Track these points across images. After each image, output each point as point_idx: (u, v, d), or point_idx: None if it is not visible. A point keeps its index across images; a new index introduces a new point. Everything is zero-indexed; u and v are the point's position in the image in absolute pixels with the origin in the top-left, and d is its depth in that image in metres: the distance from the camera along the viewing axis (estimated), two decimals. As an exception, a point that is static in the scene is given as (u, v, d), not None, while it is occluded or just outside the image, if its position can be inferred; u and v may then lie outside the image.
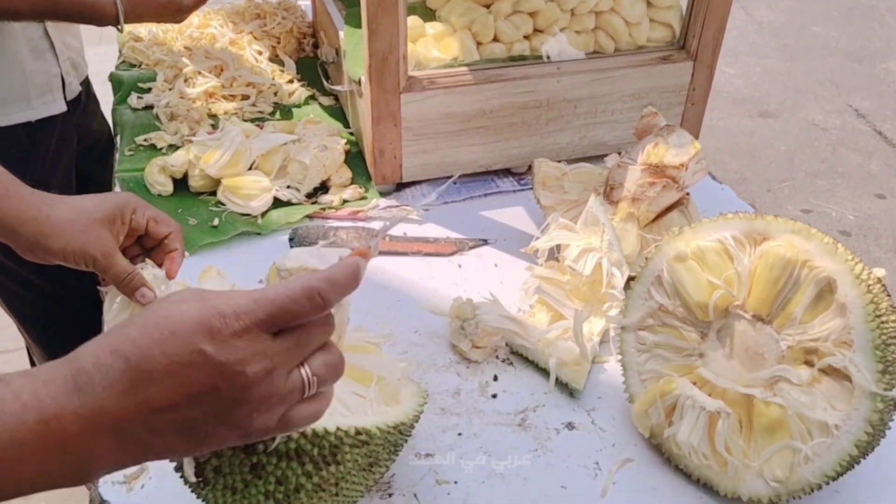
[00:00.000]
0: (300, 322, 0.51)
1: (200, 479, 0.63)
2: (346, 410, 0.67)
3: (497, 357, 0.97)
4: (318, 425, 0.61)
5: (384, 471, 0.73)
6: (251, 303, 0.50)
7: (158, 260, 0.93)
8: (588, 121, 1.29)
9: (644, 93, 1.30)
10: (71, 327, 1.41)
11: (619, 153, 1.12)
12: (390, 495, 0.80)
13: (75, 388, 0.46)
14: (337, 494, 0.67)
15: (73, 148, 1.37)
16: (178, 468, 0.62)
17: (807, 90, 4.40)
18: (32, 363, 1.69)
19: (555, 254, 1.05)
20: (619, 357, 0.88)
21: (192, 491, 0.66)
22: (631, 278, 1.00)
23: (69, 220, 0.81)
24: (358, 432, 0.63)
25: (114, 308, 0.89)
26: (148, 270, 0.89)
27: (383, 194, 1.27)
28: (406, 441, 0.75)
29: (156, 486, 0.79)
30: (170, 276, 0.91)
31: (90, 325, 1.54)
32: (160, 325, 0.48)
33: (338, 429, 0.62)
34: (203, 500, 0.67)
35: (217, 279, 0.94)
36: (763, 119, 4.11)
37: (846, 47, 4.94)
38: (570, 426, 0.88)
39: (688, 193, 1.07)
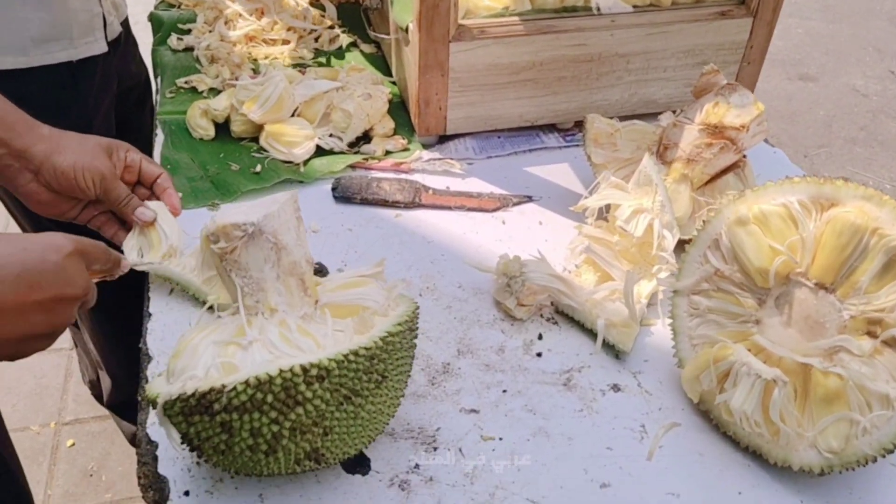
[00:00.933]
0: (95, 264, 0.72)
1: (189, 448, 0.66)
2: (294, 351, 0.66)
3: (541, 316, 0.96)
4: (261, 371, 0.61)
5: (381, 400, 0.71)
6: (71, 237, 0.66)
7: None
8: (639, 77, 1.25)
9: (699, 49, 1.26)
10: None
11: (674, 111, 1.09)
12: (435, 449, 0.80)
13: None
14: (327, 434, 0.67)
15: (113, 90, 1.36)
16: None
17: (849, 54, 4.27)
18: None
19: (603, 213, 1.03)
20: (670, 321, 0.87)
21: (198, 457, 0.69)
22: (682, 241, 0.98)
23: (77, 143, 0.88)
24: (306, 369, 0.63)
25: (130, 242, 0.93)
26: (153, 205, 0.93)
27: (425, 146, 1.24)
28: (394, 363, 0.71)
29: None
30: (175, 213, 0.92)
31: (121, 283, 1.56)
32: (13, 242, 0.61)
33: (281, 371, 0.62)
34: (208, 464, 0.70)
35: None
36: (803, 82, 4.00)
37: (890, 11, 4.76)
38: (615, 388, 0.87)
39: (744, 156, 1.04)
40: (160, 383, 0.68)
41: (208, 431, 0.64)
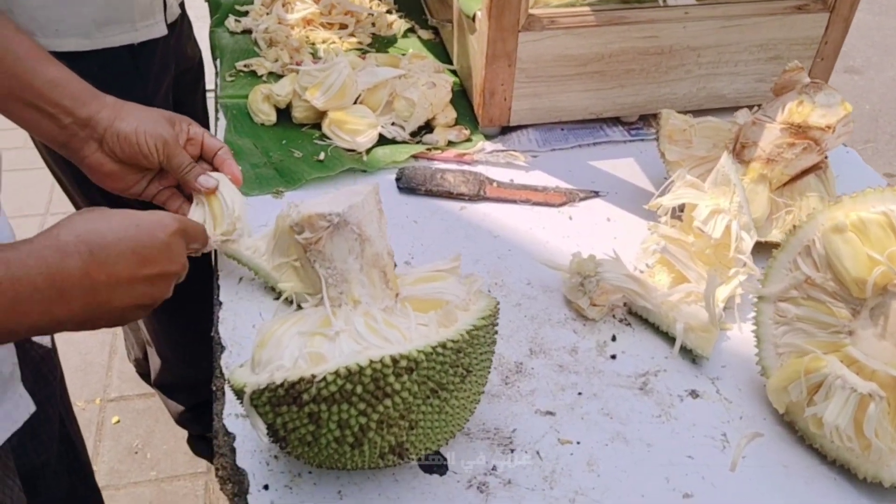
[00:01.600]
0: (192, 243, 0.76)
1: (273, 439, 0.66)
2: (383, 343, 0.65)
3: (614, 316, 0.94)
4: (350, 362, 0.61)
5: (465, 396, 0.70)
6: (176, 216, 0.71)
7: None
8: (709, 71, 1.22)
9: (772, 44, 1.22)
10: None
11: (750, 108, 1.06)
12: (512, 451, 0.79)
13: (66, 254, 0.61)
14: (412, 427, 0.66)
15: (171, 73, 1.35)
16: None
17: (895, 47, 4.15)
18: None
19: (676, 212, 1.00)
20: (753, 327, 0.84)
21: (282, 449, 0.68)
22: (759, 243, 0.95)
23: (140, 110, 0.89)
24: (395, 360, 0.62)
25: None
26: (216, 175, 0.92)
27: (487, 137, 1.22)
28: (478, 357, 0.70)
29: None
30: (237, 183, 0.93)
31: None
32: (126, 218, 0.66)
33: (371, 361, 0.61)
34: (290, 456, 0.69)
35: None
36: (848, 75, 3.90)
37: (941, 2, 4.62)
38: (693, 394, 0.85)
39: (825, 157, 1.00)
40: (244, 373, 0.67)
41: (295, 422, 0.63)
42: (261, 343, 0.66)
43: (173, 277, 0.70)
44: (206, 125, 1.62)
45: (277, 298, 0.90)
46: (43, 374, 0.89)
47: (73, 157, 0.88)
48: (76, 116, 0.84)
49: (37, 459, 0.87)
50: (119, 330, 2.05)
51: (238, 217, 0.91)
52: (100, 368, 2.14)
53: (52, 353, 0.93)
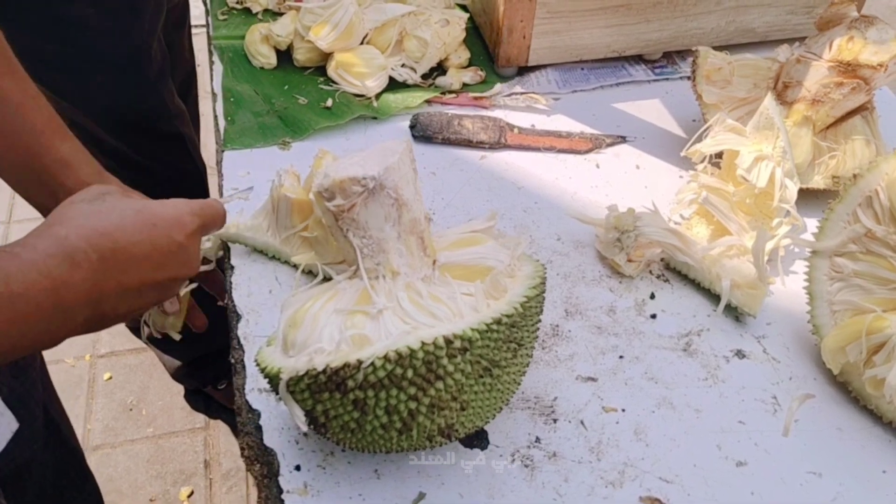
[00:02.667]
0: (208, 232, 0.67)
1: (312, 426, 0.60)
2: (432, 321, 0.59)
3: (650, 272, 0.89)
4: (400, 345, 0.55)
5: (516, 370, 0.65)
6: (195, 208, 0.63)
7: None
8: (740, 3, 1.14)
9: (806, -27, 1.14)
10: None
11: (790, 43, 0.98)
12: (555, 420, 0.74)
13: (74, 264, 0.52)
14: (464, 409, 0.61)
15: (164, 10, 1.24)
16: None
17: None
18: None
19: (712, 158, 0.94)
20: (805, 284, 0.80)
21: (321, 436, 0.63)
22: (801, 190, 0.90)
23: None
24: (449, 341, 0.56)
25: None
26: None
27: (503, 79, 1.14)
28: (529, 330, 0.66)
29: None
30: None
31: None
32: (141, 216, 0.57)
33: (423, 344, 0.55)
34: (335, 443, 0.64)
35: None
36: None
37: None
38: (739, 354, 0.81)
39: (872, 97, 0.94)
40: (275, 355, 0.61)
41: (338, 409, 0.57)
42: (293, 322, 0.60)
43: (181, 282, 0.62)
44: (192, 65, 1.51)
45: (294, 266, 0.84)
46: (21, 366, 0.82)
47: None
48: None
49: (21, 458, 0.81)
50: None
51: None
52: (89, 323, 2.07)
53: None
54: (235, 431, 1.86)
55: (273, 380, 0.59)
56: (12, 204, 2.45)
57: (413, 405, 0.57)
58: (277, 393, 0.59)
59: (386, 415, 0.57)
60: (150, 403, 1.91)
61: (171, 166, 1.23)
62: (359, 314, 0.59)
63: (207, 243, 0.84)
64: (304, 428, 0.58)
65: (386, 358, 0.54)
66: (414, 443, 0.61)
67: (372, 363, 0.54)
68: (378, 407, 0.57)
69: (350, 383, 0.55)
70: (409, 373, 0.55)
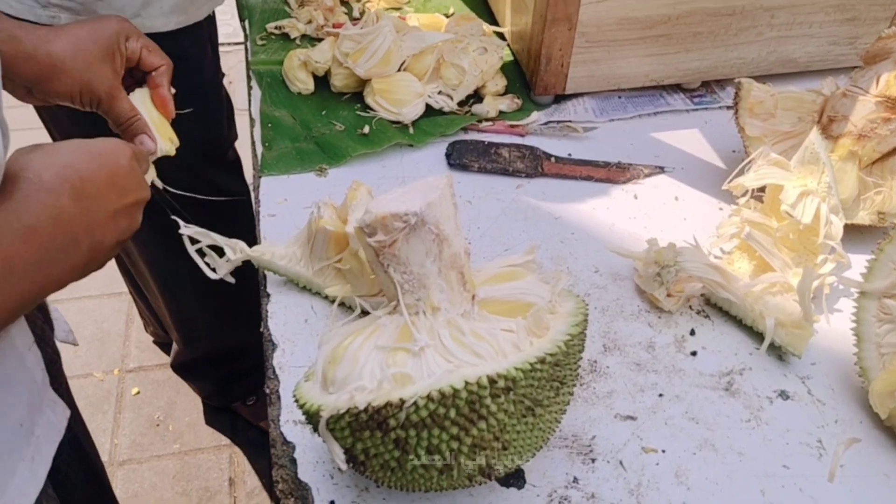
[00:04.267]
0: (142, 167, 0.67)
1: (352, 464, 0.59)
2: (474, 359, 0.58)
3: (690, 307, 0.87)
4: (444, 384, 0.54)
5: (557, 408, 0.64)
6: (126, 142, 0.64)
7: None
8: (782, 33, 1.12)
9: (850, 4, 1.12)
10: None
11: (834, 76, 0.97)
12: (593, 461, 0.73)
13: (57, 195, 0.53)
14: (506, 448, 0.60)
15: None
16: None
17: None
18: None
19: (754, 192, 0.93)
20: (853, 325, 0.77)
21: (360, 474, 0.62)
22: (846, 226, 0.88)
23: (70, 57, 0.75)
24: (493, 380, 0.55)
25: None
26: (138, 96, 0.82)
27: (540, 106, 1.14)
28: (572, 368, 0.64)
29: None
30: (168, 117, 0.84)
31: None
32: (85, 148, 0.58)
33: (466, 383, 0.54)
34: (373, 482, 0.63)
35: (368, 200, 0.84)
36: None
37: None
38: (783, 395, 0.79)
39: (920, 133, 0.92)
40: (314, 391, 0.60)
41: (379, 448, 0.57)
42: (333, 358, 0.59)
43: (142, 205, 0.64)
44: (219, 81, 1.52)
45: (327, 297, 0.83)
46: (54, 376, 0.82)
47: None
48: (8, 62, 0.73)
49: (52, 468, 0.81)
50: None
51: (166, 153, 0.83)
52: (117, 338, 2.08)
53: (58, 357, 0.86)
54: (261, 450, 1.86)
55: (312, 417, 0.58)
56: None
57: (455, 445, 0.56)
58: (316, 429, 0.59)
59: (427, 454, 0.57)
60: (177, 419, 1.92)
61: (226, 192, 1.24)
62: (400, 351, 0.58)
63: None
64: (344, 466, 0.57)
65: (429, 397, 0.54)
66: (454, 482, 0.60)
67: (415, 402, 0.54)
68: (419, 446, 0.56)
69: (392, 422, 0.55)
70: (452, 412, 0.54)
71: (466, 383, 0.54)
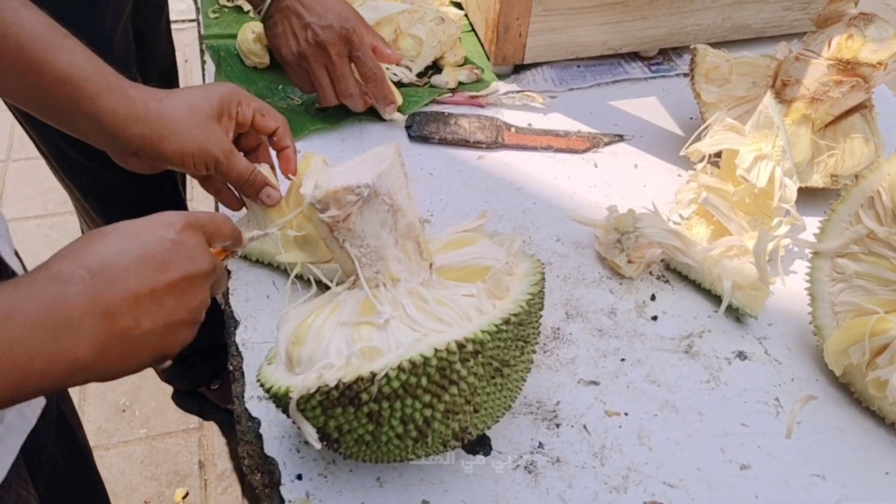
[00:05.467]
0: (216, 240, 0.62)
1: (325, 442, 0.59)
2: (441, 326, 0.59)
3: (651, 273, 0.88)
4: (413, 353, 0.54)
5: (523, 367, 0.66)
6: (181, 212, 0.58)
7: (265, 158, 0.83)
8: None
9: (804, -31, 1.13)
10: (149, 207, 1.32)
11: (787, 41, 0.98)
12: (557, 426, 0.74)
13: (63, 282, 0.49)
14: (477, 410, 0.61)
15: (130, 3, 1.22)
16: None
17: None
18: (83, 231, 1.60)
19: (711, 158, 0.94)
20: (807, 285, 0.79)
21: (333, 451, 0.62)
22: (800, 189, 0.89)
23: (182, 117, 0.70)
24: (461, 345, 0.56)
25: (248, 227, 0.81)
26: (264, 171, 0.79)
27: (499, 77, 1.13)
28: (534, 327, 0.66)
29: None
30: (290, 175, 0.81)
31: (168, 202, 1.44)
32: (121, 229, 0.54)
33: (436, 350, 0.55)
34: (344, 457, 0.63)
35: (323, 169, 0.83)
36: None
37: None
38: (741, 356, 0.81)
39: (871, 95, 0.94)
40: (280, 374, 0.60)
41: (352, 423, 0.57)
42: (296, 339, 0.59)
43: (203, 280, 0.57)
44: (172, 58, 1.48)
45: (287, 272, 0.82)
46: None
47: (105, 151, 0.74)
48: (100, 125, 0.68)
49: (31, 447, 0.80)
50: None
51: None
52: (79, 324, 2.04)
53: None
54: (230, 432, 1.85)
55: (281, 399, 0.57)
56: (10, 145, 2.43)
57: (428, 412, 0.57)
58: (285, 412, 0.58)
59: (401, 424, 0.57)
60: (144, 404, 1.89)
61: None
62: (365, 325, 0.58)
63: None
64: (318, 446, 0.57)
65: (400, 368, 0.54)
66: (429, 449, 0.61)
67: (386, 374, 0.54)
68: (393, 417, 0.56)
69: (364, 396, 0.54)
70: (424, 381, 0.55)
71: (436, 350, 0.54)
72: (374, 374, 0.53)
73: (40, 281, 0.48)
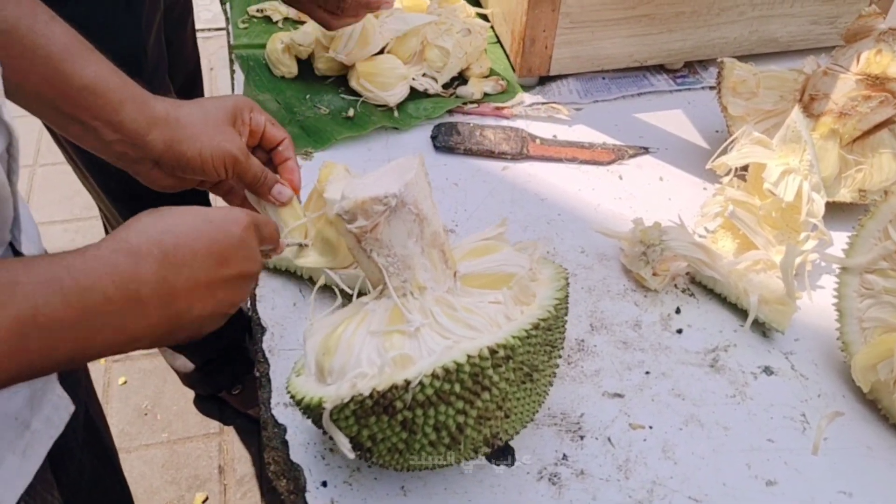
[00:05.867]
0: (264, 243, 0.63)
1: (359, 452, 0.59)
2: (471, 333, 0.59)
3: (675, 286, 0.88)
4: (446, 360, 0.55)
5: (550, 371, 0.66)
6: (249, 212, 0.60)
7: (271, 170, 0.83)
8: (764, 13, 1.13)
9: (831, -17, 1.13)
10: (163, 205, 1.33)
11: (815, 55, 0.97)
12: (582, 438, 0.74)
13: (139, 258, 0.51)
14: (507, 416, 0.61)
15: (161, 9, 1.24)
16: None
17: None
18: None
19: (737, 171, 0.93)
20: (835, 300, 0.79)
21: (365, 461, 0.62)
22: (827, 204, 0.89)
23: (200, 121, 0.73)
24: (493, 351, 0.56)
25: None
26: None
27: (525, 88, 1.14)
28: (561, 331, 0.66)
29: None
30: (295, 189, 0.82)
31: (185, 201, 1.46)
32: (196, 214, 0.56)
33: (469, 357, 0.55)
34: (376, 465, 0.64)
35: (346, 176, 0.84)
36: None
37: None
38: (767, 370, 0.80)
39: (900, 110, 0.93)
40: (310, 385, 0.60)
41: (385, 432, 0.57)
42: (326, 349, 0.59)
43: (251, 279, 0.59)
44: (196, 64, 1.50)
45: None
46: None
47: (125, 168, 0.76)
48: (124, 133, 0.70)
49: (56, 450, 0.81)
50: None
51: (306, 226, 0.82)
52: (103, 327, 2.07)
53: None
54: (250, 437, 1.87)
55: (314, 410, 0.58)
56: (38, 150, 2.47)
57: (461, 419, 0.57)
58: (316, 422, 0.59)
59: (434, 431, 0.57)
60: (165, 408, 1.91)
61: None
62: (395, 334, 0.59)
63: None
64: (351, 455, 0.58)
65: (433, 375, 0.54)
66: (461, 455, 0.61)
67: (420, 382, 0.54)
68: (427, 425, 0.56)
69: (398, 404, 0.55)
70: (457, 387, 0.55)
71: (469, 357, 0.55)
72: (408, 382, 0.54)
73: (120, 254, 0.51)
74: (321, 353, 0.59)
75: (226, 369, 1.80)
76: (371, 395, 0.54)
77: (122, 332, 0.50)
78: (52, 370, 0.50)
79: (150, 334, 0.52)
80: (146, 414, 1.90)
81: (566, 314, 0.67)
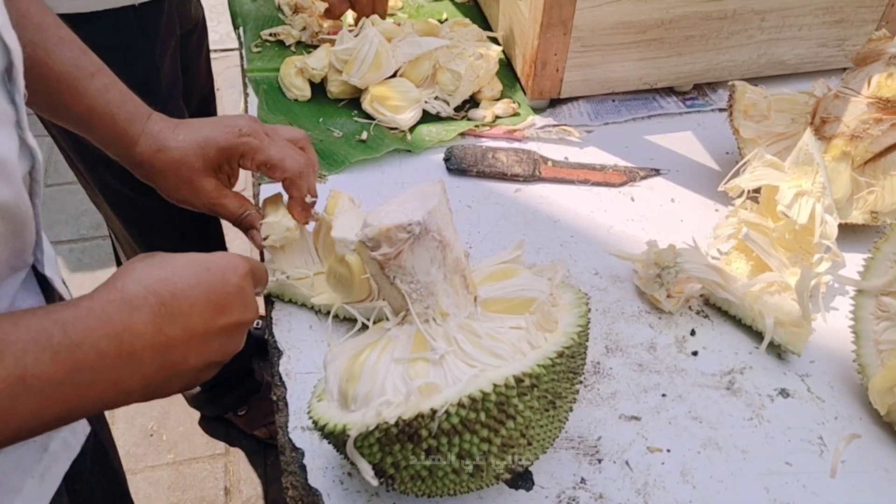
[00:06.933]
0: (257, 286, 0.63)
1: (382, 479, 0.59)
2: (496, 361, 0.59)
3: (690, 308, 0.88)
4: (472, 389, 0.55)
5: (572, 398, 0.66)
6: (241, 256, 0.60)
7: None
8: (772, 36, 1.14)
9: (838, 7, 1.14)
10: (191, 235, 1.34)
11: (826, 78, 0.98)
12: (599, 461, 0.73)
13: (134, 309, 0.50)
14: (530, 443, 0.61)
15: (177, 34, 1.25)
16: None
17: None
18: (116, 255, 1.62)
19: (749, 193, 0.94)
20: (851, 323, 0.79)
21: (387, 488, 0.62)
22: (839, 226, 0.89)
23: (171, 171, 0.76)
24: (519, 380, 0.56)
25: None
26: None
27: (536, 111, 1.14)
28: (583, 358, 0.66)
29: None
30: (304, 223, 0.83)
31: (208, 233, 1.47)
32: (194, 262, 0.55)
33: (495, 386, 0.55)
34: (397, 492, 0.64)
35: (351, 208, 0.85)
36: None
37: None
38: (784, 393, 0.80)
39: (910, 133, 0.94)
40: (333, 411, 0.60)
41: (409, 459, 0.57)
42: (350, 376, 0.59)
43: (246, 327, 0.59)
44: (210, 88, 1.52)
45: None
46: None
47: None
48: (124, 159, 0.77)
49: (67, 474, 0.80)
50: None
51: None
52: (110, 348, 2.07)
53: None
54: (256, 459, 1.86)
55: (337, 437, 0.58)
56: (46, 170, 2.48)
57: (486, 447, 0.57)
58: (337, 449, 0.59)
59: (458, 459, 0.57)
60: (171, 429, 1.90)
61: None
62: (420, 361, 0.59)
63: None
64: (375, 483, 0.57)
65: (459, 404, 0.54)
66: (483, 482, 0.61)
67: (446, 410, 0.54)
68: (451, 453, 0.56)
69: (424, 433, 0.55)
70: (483, 416, 0.55)
71: (494, 386, 0.55)
72: (434, 411, 0.54)
73: (113, 305, 0.50)
74: (344, 380, 0.59)
75: (232, 391, 1.80)
76: (396, 424, 0.54)
77: (115, 386, 0.49)
78: (43, 430, 0.48)
79: (144, 387, 0.51)
80: (152, 435, 1.89)
81: (587, 339, 0.68)
